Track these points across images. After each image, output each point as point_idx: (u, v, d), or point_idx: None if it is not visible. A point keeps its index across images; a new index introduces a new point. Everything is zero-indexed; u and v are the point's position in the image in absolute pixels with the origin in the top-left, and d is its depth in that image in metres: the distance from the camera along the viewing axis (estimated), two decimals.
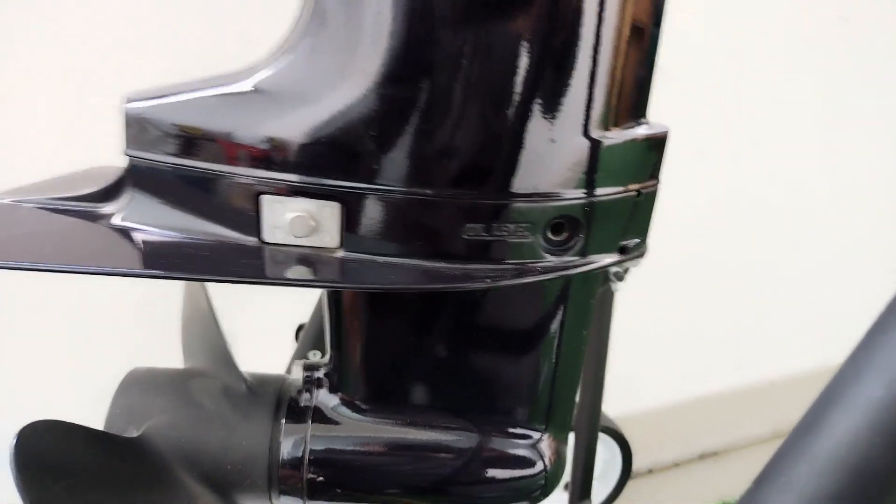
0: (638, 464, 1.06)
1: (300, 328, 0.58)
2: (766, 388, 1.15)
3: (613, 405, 0.79)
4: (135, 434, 0.34)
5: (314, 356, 0.47)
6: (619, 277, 0.58)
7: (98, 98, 0.59)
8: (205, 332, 0.38)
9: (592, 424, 0.67)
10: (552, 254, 0.32)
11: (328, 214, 0.30)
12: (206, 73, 0.30)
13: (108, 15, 0.61)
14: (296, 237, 0.30)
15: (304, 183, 0.29)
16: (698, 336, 1.09)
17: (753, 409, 1.13)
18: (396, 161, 0.29)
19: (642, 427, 1.02)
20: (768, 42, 0.91)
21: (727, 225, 1.02)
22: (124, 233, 0.31)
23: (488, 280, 0.30)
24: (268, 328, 0.67)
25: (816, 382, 0.19)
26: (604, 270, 0.51)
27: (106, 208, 0.32)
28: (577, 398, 0.65)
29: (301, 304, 0.57)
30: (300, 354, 0.53)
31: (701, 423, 1.11)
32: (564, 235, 0.32)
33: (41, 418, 0.29)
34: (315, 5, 0.28)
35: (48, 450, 0.29)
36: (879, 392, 0.16)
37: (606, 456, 0.83)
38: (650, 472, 1.08)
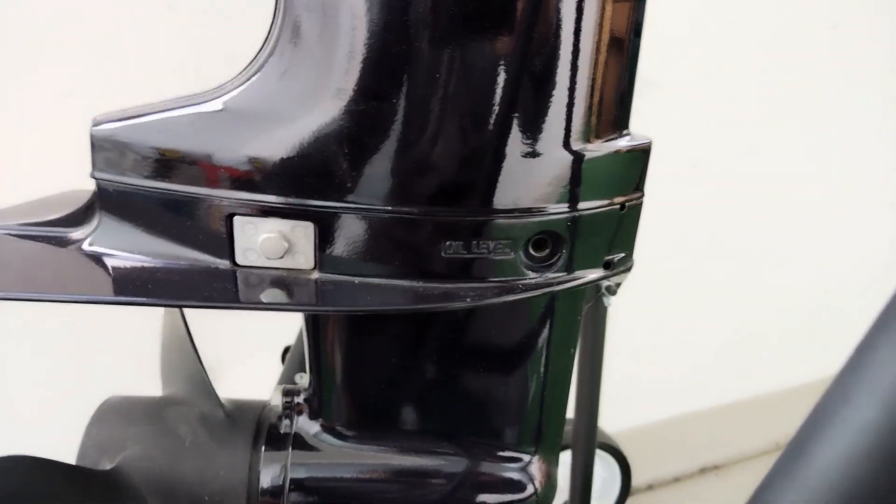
0: (638, 479, 1.04)
1: (286, 350, 0.56)
2: (766, 401, 1.14)
3: (612, 420, 0.77)
4: (108, 466, 0.33)
5: (300, 379, 0.45)
6: (612, 291, 0.57)
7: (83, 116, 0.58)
8: (182, 358, 0.37)
9: (590, 442, 0.66)
10: (535, 270, 0.31)
11: (301, 235, 0.29)
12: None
13: (99, 31, 0.60)
14: (268, 259, 0.29)
15: (276, 203, 0.28)
16: (698, 348, 1.08)
17: (754, 421, 1.11)
18: (371, 179, 0.28)
19: (642, 442, 1.00)
20: (760, 50, 0.91)
21: (726, 236, 1.01)
22: (93, 258, 0.30)
23: (468, 299, 0.29)
24: (256, 349, 0.66)
25: (817, 394, 0.18)
26: (595, 285, 0.50)
27: (75, 233, 0.31)
28: (573, 415, 0.64)
29: (288, 323, 0.56)
30: (286, 377, 0.52)
31: (701, 437, 1.10)
32: (547, 251, 0.31)
33: (11, 453, 0.28)
34: (287, 22, 0.27)
35: (17, 486, 0.28)
36: (870, 414, 0.15)
37: (605, 474, 0.81)
38: (650, 487, 1.06)
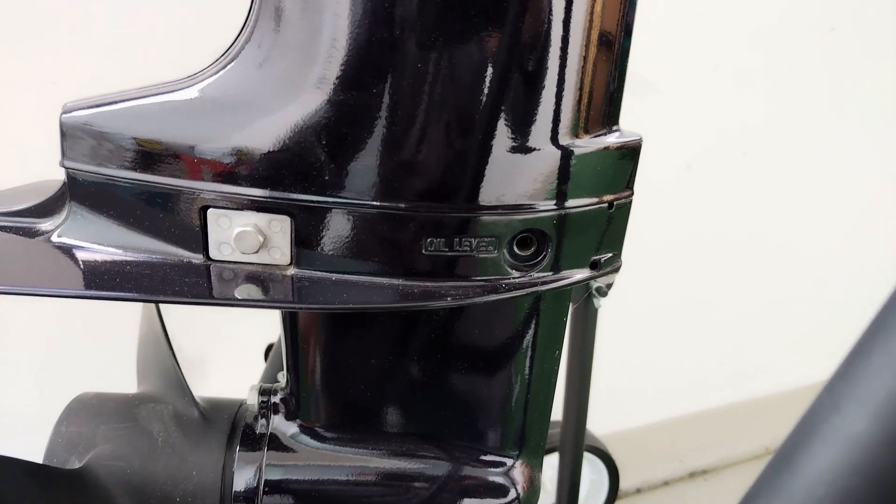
0: (627, 483, 1.04)
1: (269, 347, 0.55)
2: (756, 405, 1.13)
3: (601, 423, 0.77)
4: (77, 465, 0.32)
5: (283, 377, 0.44)
6: (602, 293, 0.56)
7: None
8: (157, 355, 0.36)
9: (578, 444, 0.65)
10: (519, 269, 0.30)
11: (278, 229, 0.28)
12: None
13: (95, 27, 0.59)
14: (243, 253, 0.28)
15: (251, 196, 0.27)
16: (688, 353, 1.07)
17: (744, 426, 1.11)
18: (350, 173, 0.27)
19: (631, 445, 1.00)
20: (757, 52, 0.90)
21: (718, 240, 1.01)
22: (62, 250, 0.29)
23: (449, 298, 0.28)
24: (239, 344, 0.65)
25: (808, 399, 0.17)
26: (584, 286, 0.49)
27: (44, 224, 0.30)
28: (562, 417, 0.63)
29: (271, 318, 0.55)
30: (269, 374, 0.51)
31: (691, 441, 1.09)
32: (532, 250, 0.30)
33: None
34: (265, 8, 0.26)
35: None
36: (860, 426, 0.14)
37: (593, 476, 0.81)
38: (639, 491, 1.05)
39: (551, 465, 0.71)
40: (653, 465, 1.06)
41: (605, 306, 0.51)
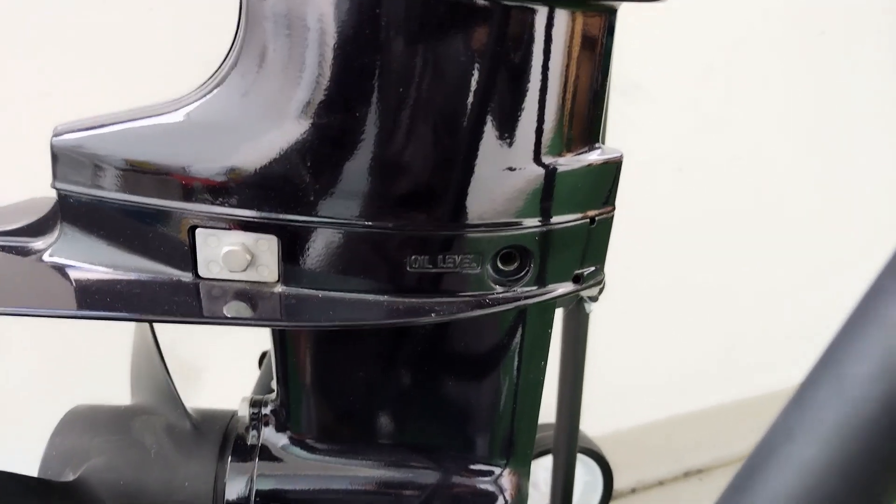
0: (621, 483, 1.05)
1: (264, 355, 0.56)
2: (751, 405, 1.14)
3: (595, 423, 0.77)
4: (71, 477, 0.32)
5: (276, 386, 0.45)
6: (593, 298, 0.57)
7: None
8: (149, 366, 0.37)
9: (570, 446, 0.66)
10: (503, 284, 0.31)
11: (265, 248, 0.29)
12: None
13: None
14: (231, 271, 0.29)
15: (238, 216, 0.28)
16: (683, 352, 1.08)
17: (739, 426, 1.11)
18: (334, 194, 0.28)
19: (625, 445, 1.00)
20: (747, 55, 0.91)
21: (712, 240, 1.01)
22: (54, 269, 0.29)
23: (433, 314, 0.29)
24: (235, 352, 0.65)
25: None
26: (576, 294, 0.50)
27: (37, 243, 0.31)
28: (555, 419, 0.64)
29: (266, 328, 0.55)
30: (262, 383, 0.52)
31: (686, 441, 1.10)
32: (515, 265, 0.31)
33: None
34: (250, 35, 0.27)
35: None
36: (810, 453, 0.15)
37: (587, 478, 0.81)
38: (633, 491, 1.06)
39: (545, 466, 0.72)
40: (647, 465, 1.07)
41: (599, 305, 0.52)
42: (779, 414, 0.16)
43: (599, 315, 0.55)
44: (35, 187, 0.37)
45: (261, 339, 0.58)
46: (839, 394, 0.14)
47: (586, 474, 0.82)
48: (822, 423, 0.14)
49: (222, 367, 0.73)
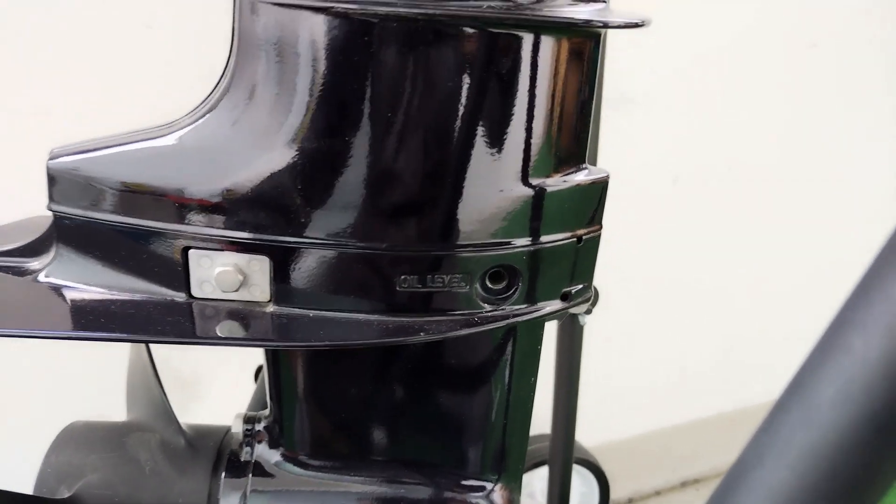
0: (618, 493, 1.05)
1: (260, 369, 0.56)
2: (748, 415, 1.14)
3: (592, 433, 0.78)
4: (66, 495, 0.33)
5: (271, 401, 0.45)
6: (588, 311, 0.57)
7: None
8: (144, 383, 0.37)
9: (566, 458, 0.66)
10: (492, 303, 0.31)
11: (257, 268, 0.29)
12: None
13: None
14: (224, 291, 0.29)
15: (231, 237, 0.29)
16: (679, 362, 1.08)
17: (736, 435, 1.11)
18: (324, 216, 0.28)
19: (622, 455, 1.00)
20: (739, 67, 0.91)
21: (707, 250, 1.02)
22: (49, 290, 0.30)
23: (423, 333, 0.30)
24: (232, 365, 0.66)
25: None
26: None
27: (33, 264, 0.31)
28: (550, 431, 0.64)
29: None
30: (258, 397, 0.52)
31: (683, 451, 1.10)
32: (503, 284, 0.31)
33: None
34: (241, 62, 0.28)
35: None
36: (779, 477, 0.15)
37: (583, 489, 0.81)
38: (630, 501, 1.06)
39: (541, 477, 0.72)
40: (644, 475, 1.07)
41: (595, 314, 0.52)
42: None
43: (595, 324, 0.55)
44: (34, 198, 0.37)
45: (257, 351, 0.59)
46: (807, 419, 0.14)
47: (582, 485, 0.82)
48: (792, 447, 0.15)
49: (218, 379, 0.73)
